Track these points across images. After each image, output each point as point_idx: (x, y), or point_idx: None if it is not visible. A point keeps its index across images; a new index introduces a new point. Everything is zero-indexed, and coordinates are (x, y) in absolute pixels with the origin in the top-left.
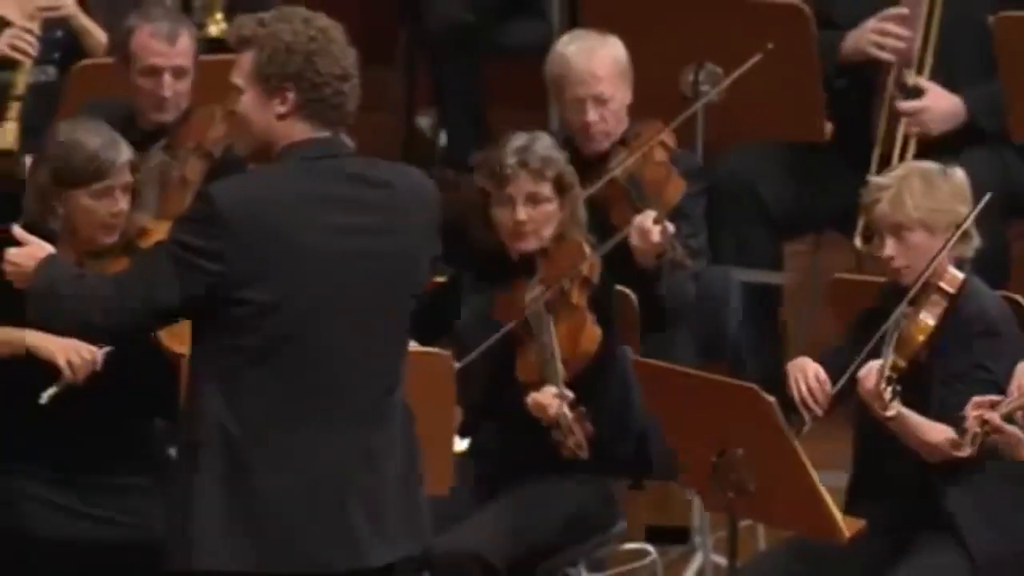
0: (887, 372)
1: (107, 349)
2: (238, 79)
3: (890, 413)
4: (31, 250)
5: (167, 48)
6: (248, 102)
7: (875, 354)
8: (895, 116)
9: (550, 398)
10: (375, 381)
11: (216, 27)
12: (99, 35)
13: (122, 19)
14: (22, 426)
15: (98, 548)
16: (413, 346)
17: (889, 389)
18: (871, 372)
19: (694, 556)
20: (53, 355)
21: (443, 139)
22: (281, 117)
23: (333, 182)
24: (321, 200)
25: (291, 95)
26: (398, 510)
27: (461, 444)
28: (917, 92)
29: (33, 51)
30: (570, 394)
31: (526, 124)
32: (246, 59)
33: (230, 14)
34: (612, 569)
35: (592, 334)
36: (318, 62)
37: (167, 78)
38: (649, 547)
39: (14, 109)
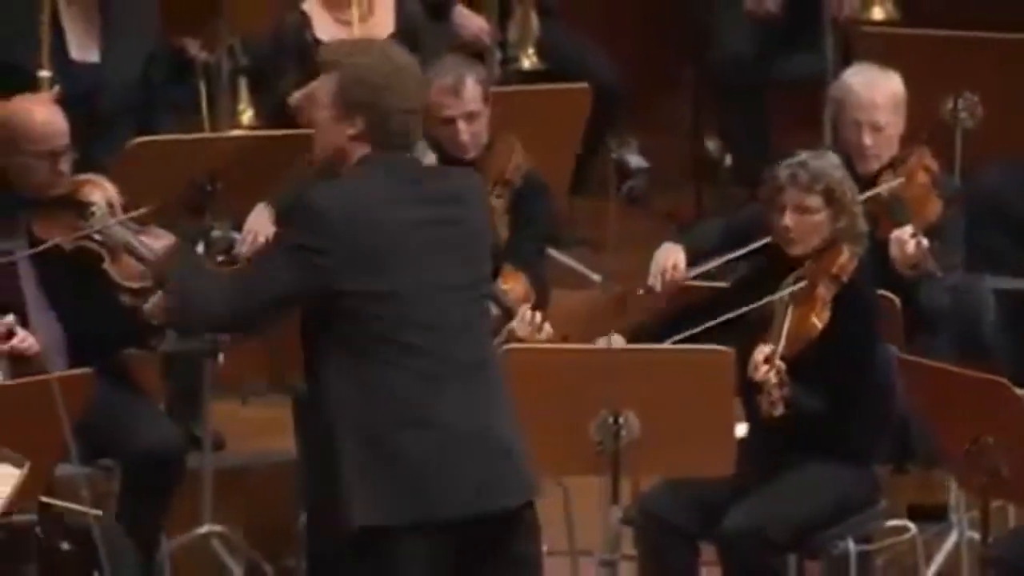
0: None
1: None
2: (321, 95)
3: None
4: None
5: (454, 100)
6: (324, 119)
7: None
8: None
9: (763, 360)
10: (475, 346)
11: (528, 61)
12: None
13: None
14: None
15: None
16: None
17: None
18: None
19: (951, 532)
20: None
21: (728, 160)
22: (352, 138)
23: (408, 182)
24: (400, 196)
25: (360, 121)
26: (514, 457)
27: (741, 430)
28: None
29: None
30: (781, 364)
31: (802, 148)
32: (329, 80)
33: (540, 49)
34: (877, 543)
35: (819, 320)
36: (387, 96)
37: (461, 125)
38: (910, 524)
39: None
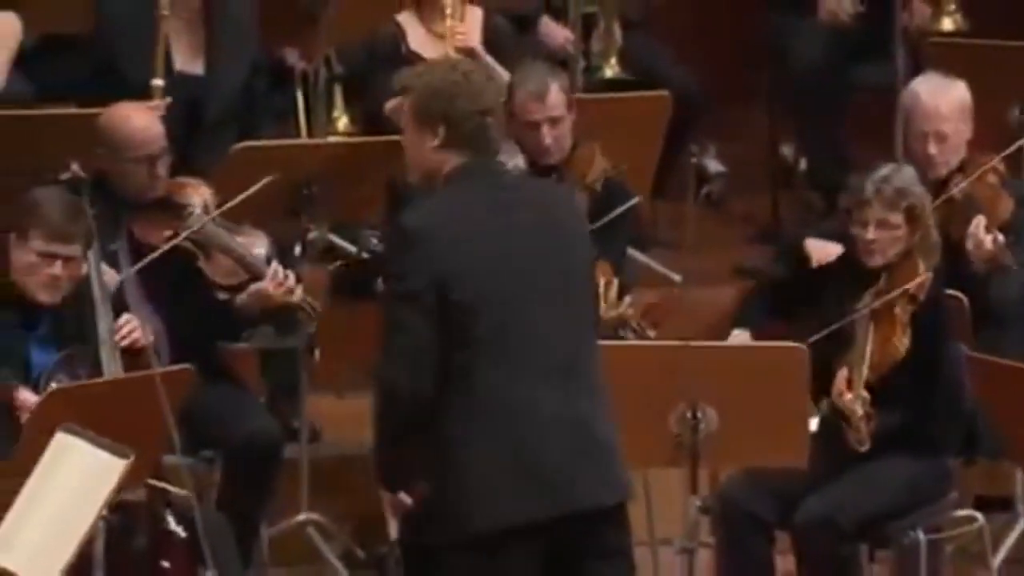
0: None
1: None
2: (403, 118)
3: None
4: None
5: (539, 105)
6: (409, 138)
7: None
8: None
9: (846, 385)
10: (572, 348)
11: (611, 70)
12: (501, 73)
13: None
14: None
15: None
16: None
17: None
18: None
19: (1017, 522)
20: None
21: (803, 165)
22: (436, 149)
23: (497, 189)
24: (490, 205)
25: (440, 130)
26: (612, 456)
27: (814, 424)
28: None
29: None
30: (866, 394)
31: (874, 153)
32: (406, 102)
33: (622, 58)
34: (946, 532)
35: (901, 344)
36: (459, 102)
37: (545, 129)
38: (978, 514)
39: None
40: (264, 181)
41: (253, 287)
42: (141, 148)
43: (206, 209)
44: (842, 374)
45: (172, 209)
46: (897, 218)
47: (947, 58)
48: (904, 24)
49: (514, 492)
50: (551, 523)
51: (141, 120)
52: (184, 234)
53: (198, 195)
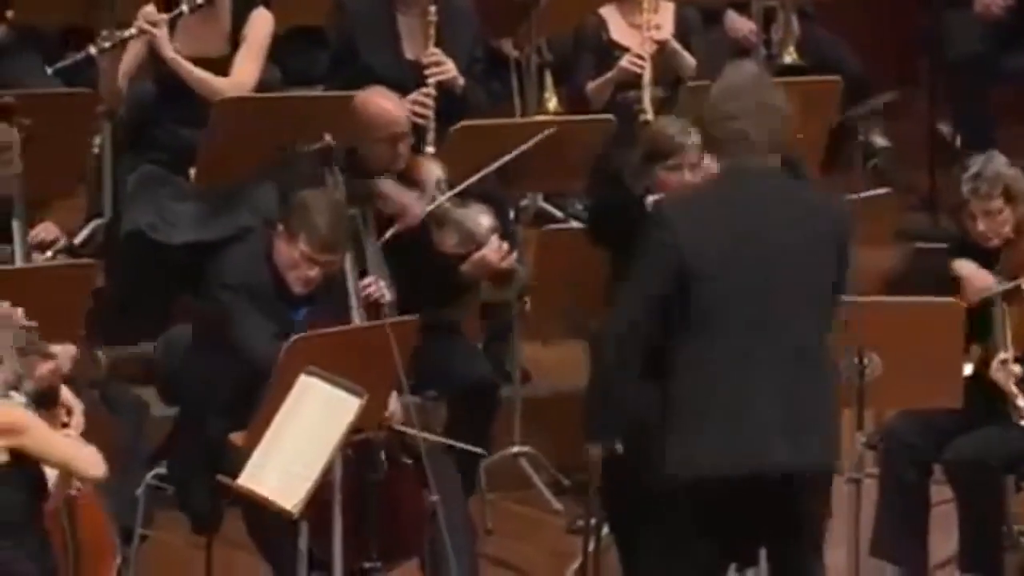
0: None
1: None
2: None
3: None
4: None
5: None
6: None
7: None
8: None
9: (1001, 369)
10: (796, 337)
11: (790, 57)
12: (690, 60)
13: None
14: None
15: None
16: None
17: None
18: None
19: None
20: None
21: (959, 142)
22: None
23: (742, 189)
24: (733, 201)
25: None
26: (820, 429)
27: (967, 369)
28: None
29: None
30: (1017, 370)
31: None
32: None
33: (800, 48)
34: None
35: None
36: (715, 119)
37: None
38: None
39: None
40: (496, 164)
41: (476, 255)
42: (384, 129)
43: (439, 185)
44: (996, 358)
45: (410, 184)
46: (998, 203)
47: None
48: None
49: (712, 447)
50: (751, 480)
51: (387, 104)
52: (429, 207)
53: (432, 170)
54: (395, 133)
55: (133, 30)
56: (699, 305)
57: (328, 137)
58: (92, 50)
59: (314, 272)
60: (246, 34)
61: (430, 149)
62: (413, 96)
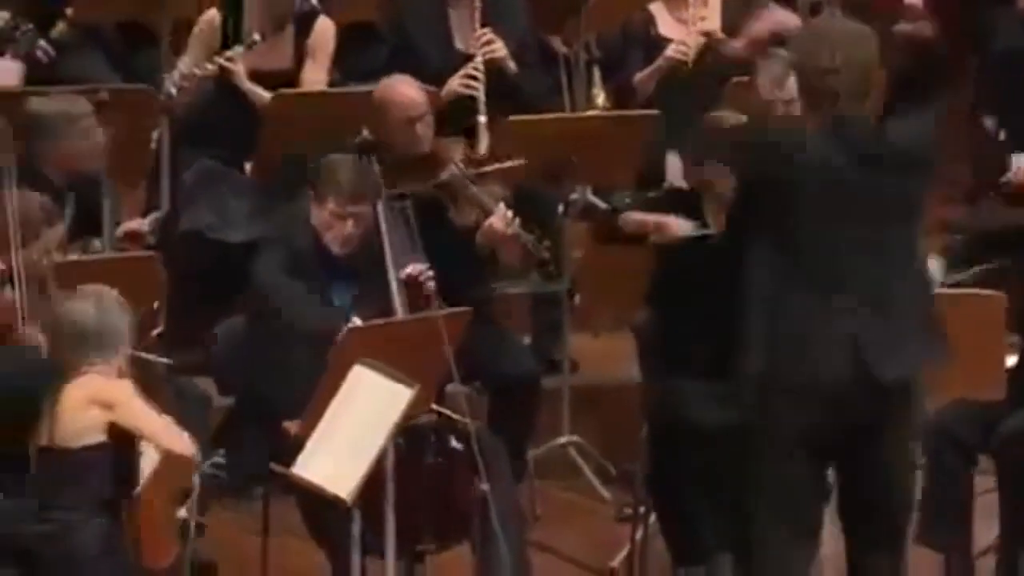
0: None
1: None
2: None
3: None
4: None
5: (777, 94)
6: None
7: None
8: None
9: None
10: (873, 272)
11: None
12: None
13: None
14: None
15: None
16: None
17: None
18: None
19: None
20: None
21: (1002, 135)
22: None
23: (839, 132)
24: (813, 138)
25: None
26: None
27: (1011, 360)
28: None
29: None
30: None
31: None
32: None
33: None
34: None
35: None
36: (807, 69)
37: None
38: None
39: None
40: (515, 162)
41: (485, 224)
42: (402, 111)
43: (461, 166)
44: None
45: (433, 163)
46: None
47: None
48: None
49: (787, 355)
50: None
51: (404, 88)
52: (434, 181)
53: (455, 152)
54: (412, 116)
55: (211, 66)
56: (773, 222)
57: (365, 132)
58: (172, 90)
59: (349, 228)
60: (311, 45)
61: (482, 119)
62: (462, 71)
